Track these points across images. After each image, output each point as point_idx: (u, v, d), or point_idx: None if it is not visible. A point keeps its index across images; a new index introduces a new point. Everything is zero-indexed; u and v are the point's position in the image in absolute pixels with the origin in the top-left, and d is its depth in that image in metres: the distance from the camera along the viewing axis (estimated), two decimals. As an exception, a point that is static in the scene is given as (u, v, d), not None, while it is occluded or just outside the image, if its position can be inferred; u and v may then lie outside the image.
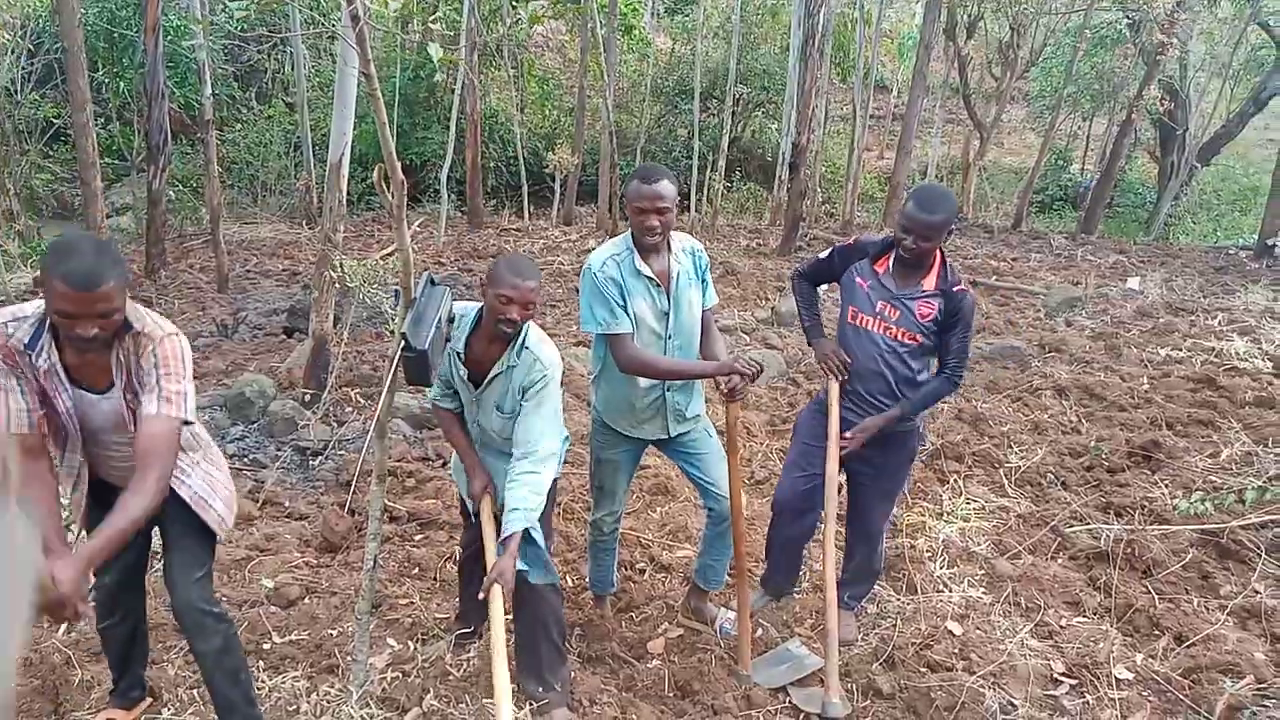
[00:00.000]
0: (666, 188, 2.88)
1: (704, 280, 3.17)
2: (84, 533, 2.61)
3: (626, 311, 2.97)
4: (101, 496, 2.44)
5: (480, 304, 2.83)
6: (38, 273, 2.31)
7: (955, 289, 2.98)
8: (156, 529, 2.59)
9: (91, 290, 1.99)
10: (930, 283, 3.01)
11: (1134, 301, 9.67)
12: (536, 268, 2.75)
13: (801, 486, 3.27)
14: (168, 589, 2.49)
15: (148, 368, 2.20)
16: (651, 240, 2.94)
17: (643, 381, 3.08)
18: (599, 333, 3.04)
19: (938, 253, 3.00)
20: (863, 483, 3.29)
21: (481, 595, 2.60)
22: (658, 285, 3.01)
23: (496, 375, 2.81)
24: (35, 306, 2.19)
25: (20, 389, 2.17)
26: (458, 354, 2.83)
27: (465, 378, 2.86)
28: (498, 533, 2.75)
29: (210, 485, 2.54)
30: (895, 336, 3.05)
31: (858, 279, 3.13)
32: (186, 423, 2.24)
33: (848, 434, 3.09)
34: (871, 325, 3.08)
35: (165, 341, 2.22)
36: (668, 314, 3.05)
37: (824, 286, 3.46)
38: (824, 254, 3.27)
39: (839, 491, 3.41)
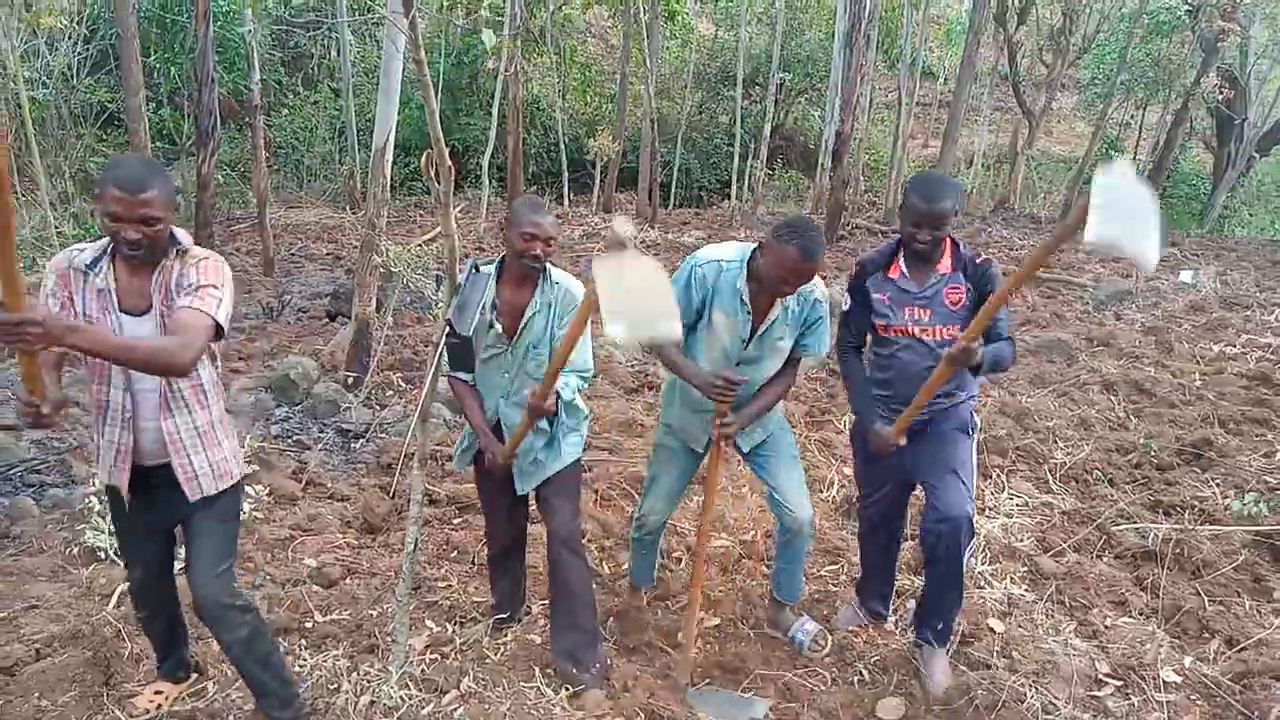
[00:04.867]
0: (822, 258, 2.77)
1: (813, 327, 3.01)
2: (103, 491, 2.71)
3: (697, 315, 2.99)
4: (140, 480, 2.44)
5: (495, 260, 2.88)
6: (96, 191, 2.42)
7: (978, 261, 2.93)
8: (180, 525, 2.57)
9: (135, 194, 2.14)
10: (946, 265, 2.92)
11: (1186, 295, 9.42)
12: (548, 207, 2.85)
13: (879, 506, 3.33)
14: (189, 585, 2.47)
15: (188, 276, 2.32)
16: (784, 295, 2.87)
17: (699, 395, 2.98)
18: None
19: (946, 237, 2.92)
20: (922, 464, 3.06)
21: (531, 403, 2.65)
22: (747, 311, 2.93)
23: (533, 315, 2.82)
24: (96, 244, 2.34)
25: (59, 308, 2.30)
26: (491, 305, 2.84)
27: (501, 331, 2.83)
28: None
29: (200, 439, 2.44)
30: (935, 336, 2.93)
31: (876, 295, 3.00)
32: (219, 331, 2.31)
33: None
34: (908, 331, 2.96)
35: (209, 258, 2.37)
36: (746, 342, 2.96)
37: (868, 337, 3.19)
38: (844, 308, 3.11)
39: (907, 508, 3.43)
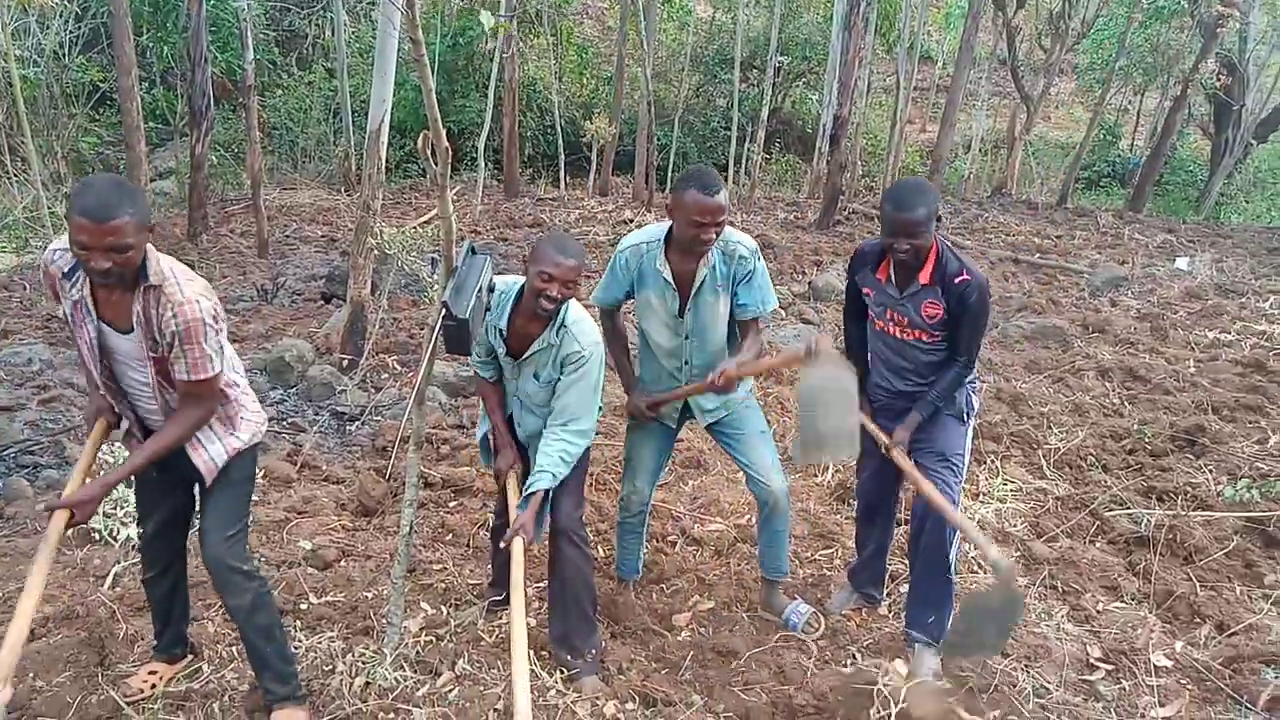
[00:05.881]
0: (725, 197, 2.81)
1: (744, 284, 3.04)
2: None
3: (627, 296, 3.17)
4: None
5: (521, 280, 2.84)
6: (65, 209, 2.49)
7: (956, 279, 2.82)
8: (197, 486, 2.64)
9: (102, 222, 2.06)
10: (925, 276, 2.87)
11: (1182, 282, 9.43)
12: (581, 247, 2.76)
13: (873, 481, 3.34)
14: (200, 547, 2.53)
15: (169, 334, 2.26)
16: (703, 250, 2.91)
17: (662, 364, 3.18)
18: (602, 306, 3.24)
19: (933, 244, 2.86)
20: (915, 448, 3.09)
21: (503, 545, 2.68)
22: (673, 289, 3.03)
23: (537, 351, 2.83)
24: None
25: (56, 302, 2.41)
26: (499, 330, 2.85)
27: (505, 353, 2.89)
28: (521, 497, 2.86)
29: (225, 449, 2.54)
30: (913, 338, 2.98)
31: (865, 289, 3.07)
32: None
33: (891, 440, 2.98)
34: (888, 330, 3.03)
35: (184, 309, 2.24)
36: (681, 316, 3.07)
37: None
38: (848, 284, 3.20)
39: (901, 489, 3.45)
